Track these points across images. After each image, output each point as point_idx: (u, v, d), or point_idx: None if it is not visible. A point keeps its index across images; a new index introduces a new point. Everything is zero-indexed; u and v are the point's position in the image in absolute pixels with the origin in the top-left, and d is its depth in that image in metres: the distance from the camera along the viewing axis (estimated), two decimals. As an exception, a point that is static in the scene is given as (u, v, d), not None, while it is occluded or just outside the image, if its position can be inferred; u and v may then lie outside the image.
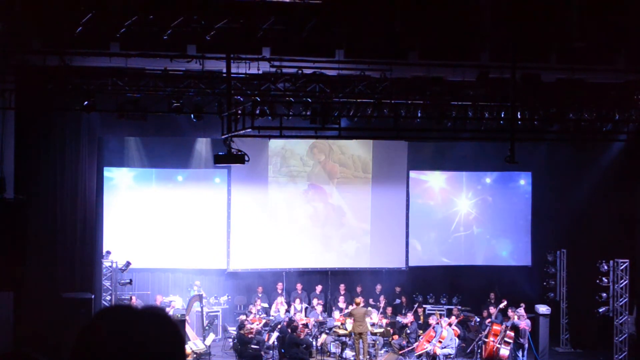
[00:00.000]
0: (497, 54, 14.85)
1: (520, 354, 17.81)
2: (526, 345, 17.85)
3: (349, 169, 21.30)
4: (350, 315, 17.88)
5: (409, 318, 19.07)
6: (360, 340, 17.65)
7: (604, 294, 18.41)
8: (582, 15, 12.86)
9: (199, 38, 13.63)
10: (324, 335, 18.35)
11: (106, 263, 17.93)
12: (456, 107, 15.57)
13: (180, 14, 12.61)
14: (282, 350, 17.45)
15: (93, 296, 16.25)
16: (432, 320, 18.30)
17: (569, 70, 15.24)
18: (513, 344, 17.77)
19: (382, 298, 20.28)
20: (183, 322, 16.47)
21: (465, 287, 20.86)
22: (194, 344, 17.32)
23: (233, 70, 13.60)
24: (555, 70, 15.34)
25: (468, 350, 18.53)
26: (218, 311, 19.62)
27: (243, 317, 18.45)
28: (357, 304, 17.96)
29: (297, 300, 19.75)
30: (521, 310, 17.92)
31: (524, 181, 22.02)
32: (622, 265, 18.31)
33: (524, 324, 17.74)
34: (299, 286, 20.43)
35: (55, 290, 15.78)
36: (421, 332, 18.82)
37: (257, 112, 14.36)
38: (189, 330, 17.46)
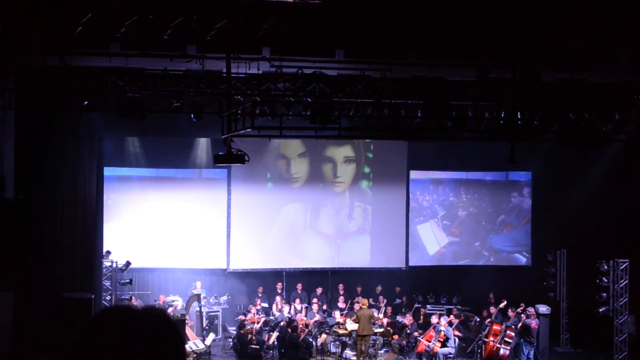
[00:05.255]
0: (497, 54, 14.83)
1: (532, 353, 17.76)
2: (535, 344, 17.86)
3: (348, 169, 21.30)
4: (356, 316, 17.83)
5: (408, 318, 19.07)
6: (363, 342, 17.62)
7: (604, 294, 18.41)
8: (582, 15, 12.87)
9: (199, 38, 13.61)
10: (324, 335, 18.34)
11: (106, 263, 17.93)
12: (456, 107, 15.56)
13: (180, 14, 12.60)
14: (282, 350, 17.45)
15: (93, 296, 16.24)
16: (432, 320, 18.31)
17: (569, 70, 15.23)
18: (524, 343, 17.77)
19: (382, 298, 20.28)
20: (183, 322, 16.47)
21: (465, 287, 20.86)
22: (194, 343, 17.31)
23: (233, 70, 13.59)
24: (555, 70, 15.32)
25: (468, 350, 18.54)
26: (218, 311, 19.63)
27: (243, 317, 18.46)
28: (364, 305, 17.92)
29: (297, 300, 19.76)
30: (531, 310, 17.93)
31: (524, 181, 22.04)
32: (622, 265, 18.31)
33: (535, 322, 17.76)
34: (299, 286, 20.44)
35: (55, 290, 15.77)
36: (421, 331, 18.82)
37: (257, 112, 14.36)
38: (188, 330, 17.46)
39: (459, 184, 21.94)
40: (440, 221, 21.88)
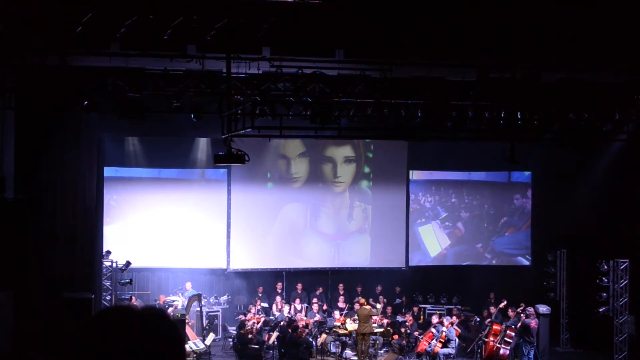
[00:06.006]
0: (497, 54, 14.83)
1: (532, 354, 17.78)
2: (535, 344, 17.87)
3: (348, 169, 21.30)
4: (355, 315, 17.84)
5: (408, 318, 19.07)
6: (363, 342, 17.63)
7: (604, 294, 18.42)
8: (582, 15, 12.87)
9: (199, 38, 13.62)
10: (324, 335, 18.35)
11: (106, 263, 17.93)
12: (456, 107, 15.56)
13: (180, 14, 12.60)
14: (282, 350, 17.45)
15: (93, 296, 16.24)
16: (433, 320, 18.31)
17: (569, 70, 15.23)
18: (523, 342, 17.78)
19: (382, 298, 20.28)
20: (183, 322, 16.47)
21: (465, 287, 20.86)
22: (194, 343, 17.32)
23: (233, 70, 13.59)
24: (555, 70, 15.33)
25: (468, 350, 18.54)
26: (218, 311, 19.63)
27: (243, 317, 18.46)
28: (362, 304, 17.94)
29: (297, 300, 19.76)
30: (531, 309, 17.95)
31: (524, 181, 22.03)
32: (622, 265, 18.31)
33: (534, 322, 17.78)
34: (299, 286, 20.43)
35: (55, 290, 15.77)
36: (421, 331, 18.83)
37: (257, 112, 14.36)
38: (188, 330, 17.46)
39: (460, 185, 21.92)
40: (441, 223, 21.87)
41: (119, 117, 15.08)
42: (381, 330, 18.75)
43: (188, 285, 19.53)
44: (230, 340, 18.40)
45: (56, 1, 12.40)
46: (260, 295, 20.02)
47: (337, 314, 19.25)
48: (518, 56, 14.26)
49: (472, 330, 19.13)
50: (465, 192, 21.93)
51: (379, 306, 18.94)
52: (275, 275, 20.67)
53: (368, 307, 17.99)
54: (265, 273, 20.75)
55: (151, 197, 20.00)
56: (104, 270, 17.85)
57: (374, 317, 18.41)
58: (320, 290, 20.48)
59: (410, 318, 19.10)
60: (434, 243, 21.83)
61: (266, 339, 18.04)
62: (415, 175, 21.65)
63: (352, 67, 15.02)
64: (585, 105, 15.68)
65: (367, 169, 21.45)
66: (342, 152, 21.18)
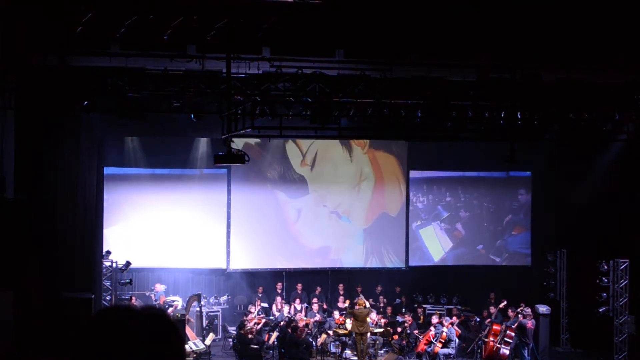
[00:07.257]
0: (497, 54, 14.84)
1: (526, 352, 17.81)
2: (531, 345, 17.88)
3: (348, 169, 21.30)
4: (352, 315, 17.87)
5: (408, 318, 19.07)
6: (361, 341, 17.65)
7: (604, 294, 18.41)
8: (582, 15, 12.88)
9: (199, 38, 13.63)
10: (324, 335, 18.35)
11: (106, 263, 17.93)
12: (456, 107, 15.56)
13: (180, 14, 12.61)
14: (282, 350, 17.45)
15: (93, 296, 16.24)
16: (433, 320, 18.31)
17: (569, 70, 15.24)
18: (519, 343, 17.79)
19: (382, 298, 20.28)
20: (183, 322, 16.47)
21: (465, 287, 20.85)
22: (194, 343, 17.32)
23: (233, 70, 13.60)
24: (555, 70, 15.33)
25: (468, 350, 18.54)
26: (218, 311, 19.63)
27: (244, 317, 18.46)
28: (361, 305, 17.95)
29: (297, 300, 19.76)
30: (528, 310, 17.96)
31: (524, 181, 22.02)
32: (622, 265, 18.31)
33: (530, 323, 17.78)
34: (299, 286, 20.44)
35: (55, 290, 15.77)
36: (422, 331, 18.82)
37: (257, 112, 14.36)
38: (188, 330, 17.46)
39: (455, 182, 21.85)
40: (441, 225, 21.84)
41: (119, 117, 15.07)
42: (381, 330, 18.76)
43: (158, 286, 19.34)
44: (230, 340, 18.40)
45: (56, 1, 12.40)
46: (260, 295, 20.02)
47: (336, 314, 19.24)
48: (518, 56, 14.27)
49: (472, 331, 19.13)
50: (461, 190, 21.89)
51: (373, 315, 18.86)
52: (275, 275, 20.67)
53: (366, 310, 18.02)
54: (265, 273, 20.75)
55: (151, 198, 19.99)
56: (104, 270, 17.84)
57: (372, 318, 18.43)
58: (319, 289, 20.47)
59: (410, 318, 19.09)
60: (436, 245, 21.79)
61: (266, 339, 18.04)
62: (413, 174, 21.58)
63: (352, 67, 15.02)
64: (585, 105, 15.68)
65: (367, 169, 21.44)
66: (342, 152, 21.17)
